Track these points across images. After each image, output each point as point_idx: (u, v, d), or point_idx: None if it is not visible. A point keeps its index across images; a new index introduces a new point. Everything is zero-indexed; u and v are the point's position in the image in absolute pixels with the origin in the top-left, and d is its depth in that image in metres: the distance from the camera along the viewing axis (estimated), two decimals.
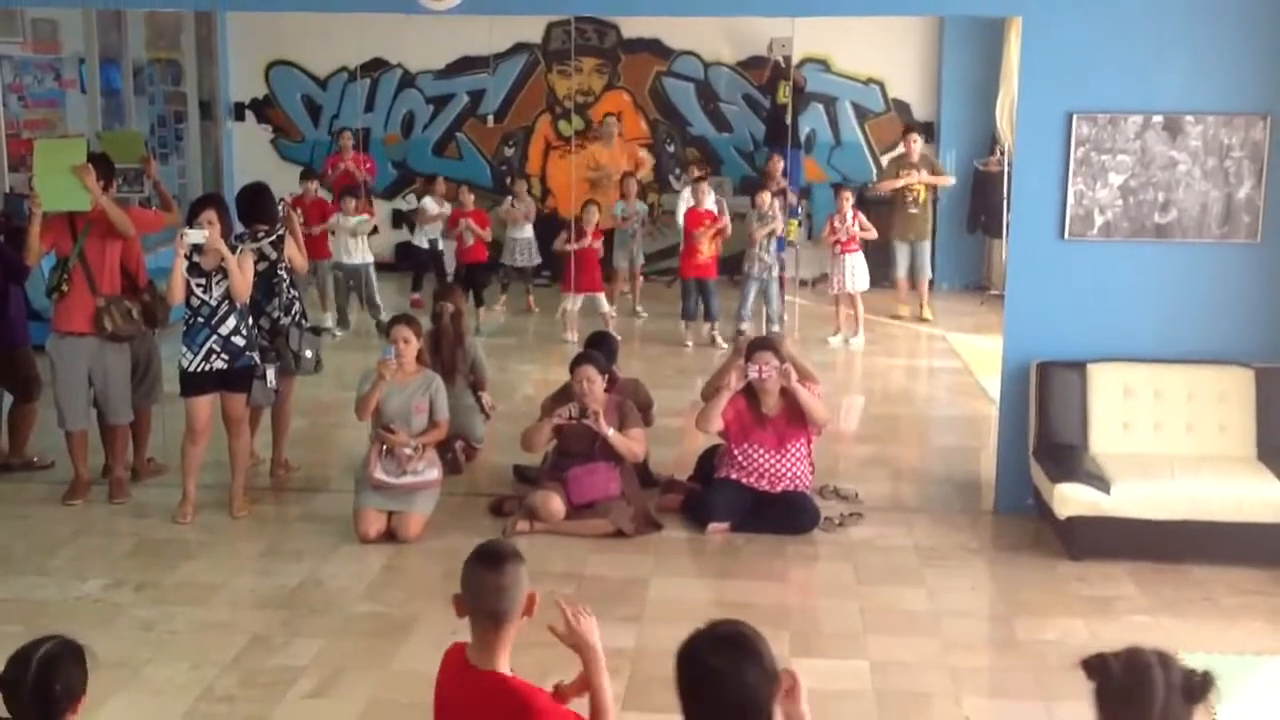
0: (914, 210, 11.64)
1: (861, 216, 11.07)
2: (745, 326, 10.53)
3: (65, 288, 6.86)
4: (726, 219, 11.02)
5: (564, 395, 6.86)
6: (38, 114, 11.59)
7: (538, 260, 12.16)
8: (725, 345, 10.69)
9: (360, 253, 11.14)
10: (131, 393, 7.14)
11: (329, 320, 11.04)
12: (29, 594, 5.80)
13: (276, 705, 4.77)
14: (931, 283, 12.17)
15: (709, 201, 11.10)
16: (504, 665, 3.12)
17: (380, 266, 11.74)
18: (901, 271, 11.90)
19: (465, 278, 11.20)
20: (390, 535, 6.43)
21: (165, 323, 7.36)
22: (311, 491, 7.28)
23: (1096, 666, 2.72)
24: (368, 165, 12.65)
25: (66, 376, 6.91)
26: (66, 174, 6.70)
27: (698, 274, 10.85)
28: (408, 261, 12.72)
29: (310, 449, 8.00)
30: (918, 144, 11.92)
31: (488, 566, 3.11)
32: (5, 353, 7.29)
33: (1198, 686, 2.66)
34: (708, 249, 10.79)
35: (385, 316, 10.72)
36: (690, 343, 10.88)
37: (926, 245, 11.86)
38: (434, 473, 6.56)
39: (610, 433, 6.57)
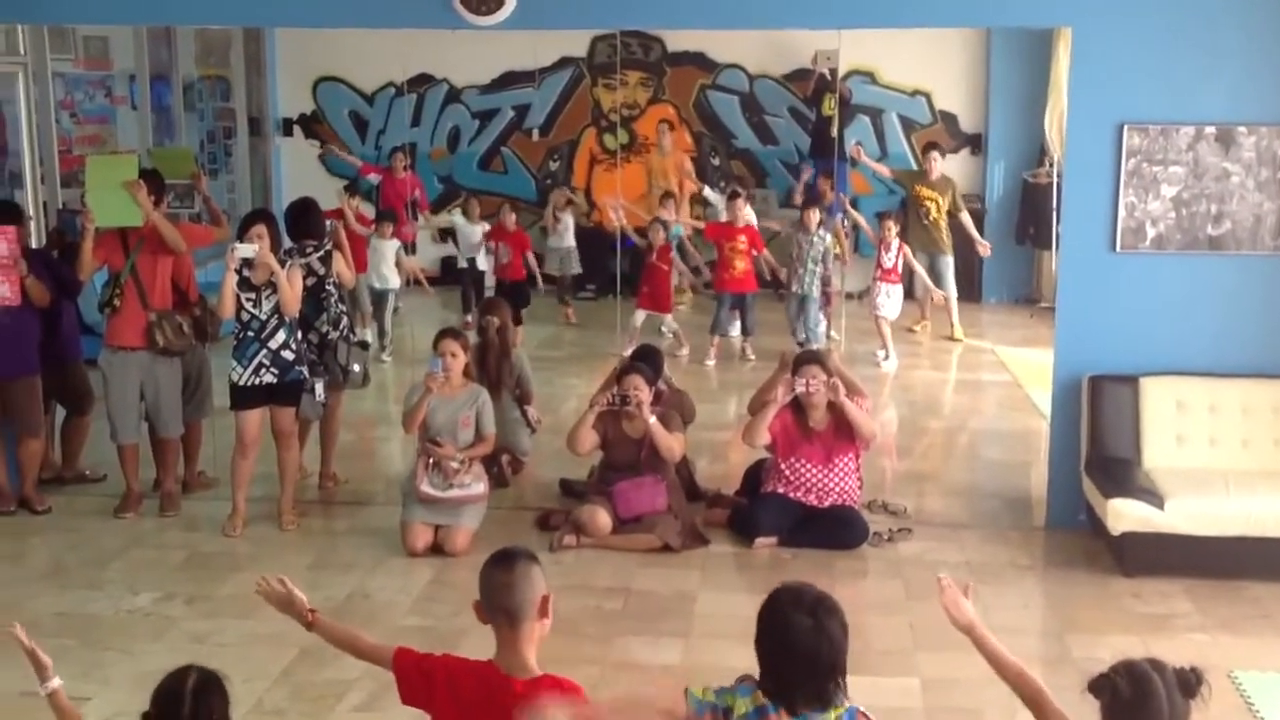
0: (926, 223, 11.47)
1: (907, 250, 10.95)
2: (802, 339, 10.46)
3: (117, 303, 6.94)
4: (767, 232, 10.99)
5: (609, 388, 6.86)
6: (89, 130, 11.74)
7: (578, 270, 12.13)
8: (752, 358, 10.65)
9: (387, 279, 11.08)
10: (182, 407, 7.20)
11: (370, 335, 11.07)
12: (81, 607, 5.85)
13: (326, 718, 4.78)
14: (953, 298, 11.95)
15: (747, 217, 11.06)
16: (535, 667, 3.12)
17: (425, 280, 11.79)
18: (918, 288, 11.76)
19: (501, 295, 11.16)
20: (437, 549, 6.45)
21: (216, 337, 7.43)
22: (359, 504, 7.32)
23: (1104, 686, 2.84)
24: (412, 184, 12.71)
25: (118, 391, 6.99)
26: (118, 190, 6.78)
27: (736, 288, 10.78)
28: (451, 276, 12.77)
29: (357, 462, 8.04)
30: (938, 162, 11.78)
31: (498, 566, 3.15)
32: (58, 367, 7.37)
33: (1193, 682, 2.81)
34: (741, 264, 10.73)
35: (389, 345, 10.73)
36: (712, 360, 10.69)
37: (946, 259, 11.59)
38: (480, 486, 6.58)
39: (652, 420, 6.55)
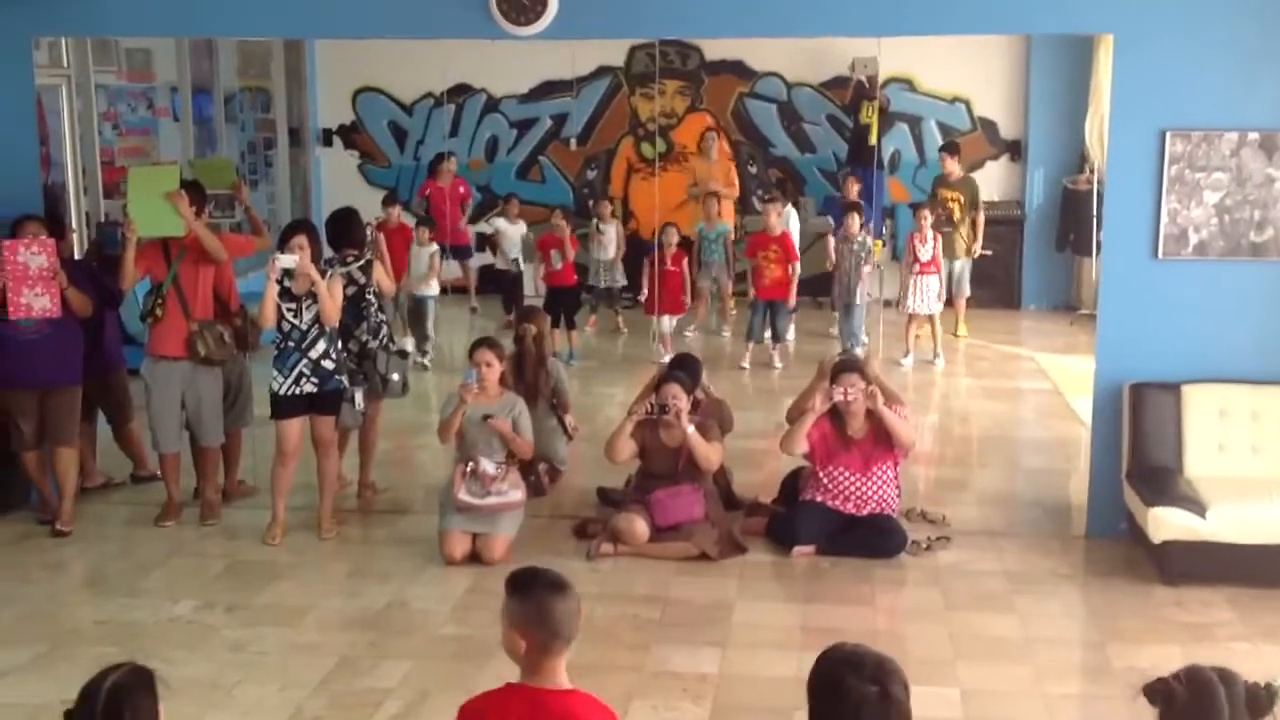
0: (947, 229, 11.38)
1: (940, 241, 10.93)
2: (851, 345, 10.43)
3: (159, 312, 7.00)
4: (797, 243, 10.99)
5: (647, 397, 6.85)
6: (131, 142, 11.87)
7: (623, 281, 12.16)
8: (779, 365, 10.64)
9: (426, 285, 11.13)
10: (223, 416, 7.26)
11: (410, 345, 11.11)
12: (122, 615, 5.90)
13: None
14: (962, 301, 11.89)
15: (786, 224, 11.04)
16: (568, 684, 3.14)
17: (457, 290, 11.82)
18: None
19: (553, 301, 11.21)
20: (475, 557, 6.45)
21: (256, 346, 7.48)
22: (397, 513, 7.34)
23: (1161, 691, 2.69)
24: (463, 189, 12.79)
25: (160, 400, 7.05)
26: (160, 200, 6.85)
27: (768, 296, 10.77)
28: (491, 285, 12.83)
29: (396, 471, 8.07)
30: (955, 164, 11.75)
31: (559, 594, 3.13)
32: (100, 377, 7.45)
33: (1263, 701, 2.63)
34: (774, 272, 10.71)
35: (429, 350, 10.79)
36: (747, 365, 10.75)
37: (963, 264, 11.60)
38: (518, 494, 6.58)
39: (690, 429, 6.54)
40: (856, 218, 10.65)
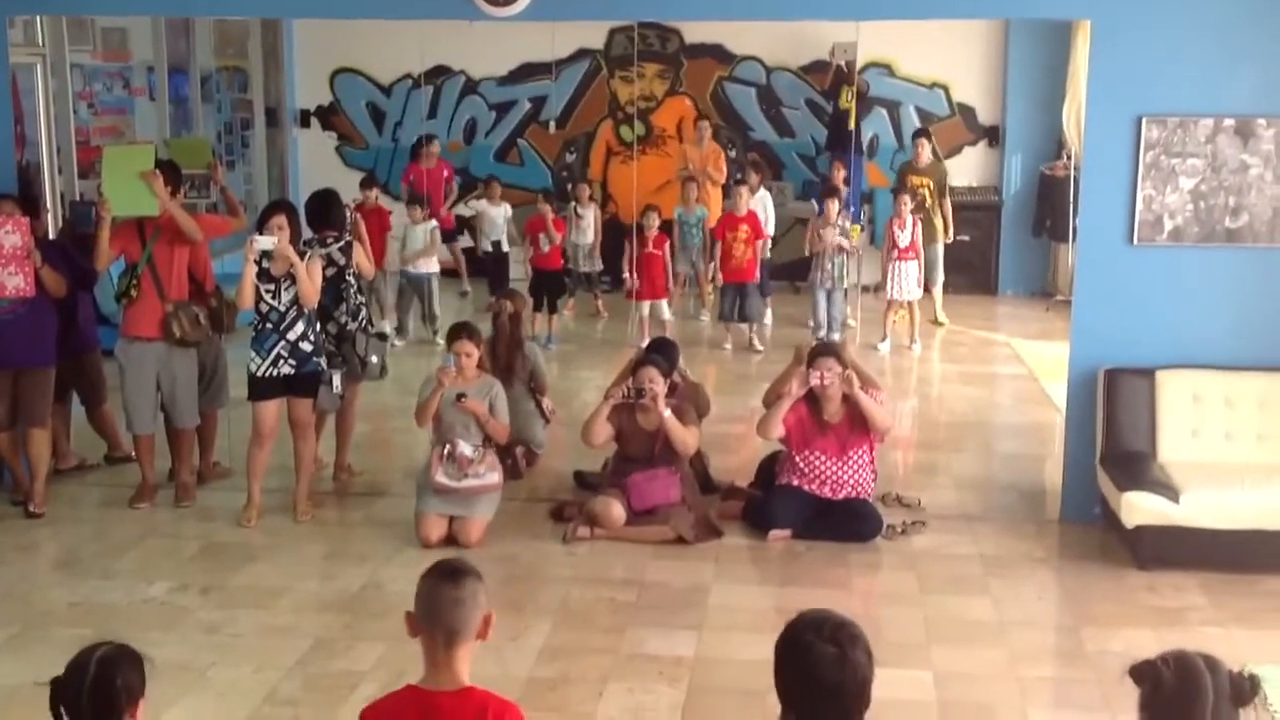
0: (920, 215, 11.38)
1: (920, 225, 10.96)
2: (823, 334, 10.45)
3: (134, 293, 6.95)
4: (769, 226, 10.99)
5: (624, 381, 6.85)
6: (107, 122, 11.78)
7: (601, 266, 12.15)
8: (760, 349, 10.66)
9: (425, 263, 11.13)
10: (198, 397, 7.22)
11: (388, 327, 11.09)
12: (96, 597, 5.88)
13: (339, 709, 4.79)
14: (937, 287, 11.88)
15: (753, 206, 11.05)
16: (465, 680, 3.01)
17: (446, 273, 11.81)
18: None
19: (538, 284, 11.20)
20: (451, 540, 6.45)
21: (232, 328, 7.45)
22: (373, 496, 7.33)
23: (1147, 673, 2.70)
24: (447, 173, 12.76)
25: (135, 381, 7.01)
26: (135, 180, 6.80)
27: (735, 278, 10.79)
28: (472, 266, 12.82)
29: (372, 454, 8.05)
30: (926, 149, 11.75)
31: (447, 580, 2.99)
32: (75, 358, 7.39)
33: (1245, 690, 2.65)
34: (743, 253, 10.72)
35: (435, 327, 10.80)
36: (729, 345, 10.84)
37: (937, 248, 11.54)
38: (495, 477, 6.57)
39: (667, 414, 6.55)
40: (836, 202, 10.67)
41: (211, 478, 7.48)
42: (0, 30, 7.29)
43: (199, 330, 7.06)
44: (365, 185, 11.56)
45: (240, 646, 5.34)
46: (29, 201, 7.32)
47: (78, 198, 10.55)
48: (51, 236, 8.30)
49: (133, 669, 2.86)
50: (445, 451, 6.50)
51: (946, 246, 11.71)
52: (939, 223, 11.58)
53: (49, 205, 9.91)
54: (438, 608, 2.96)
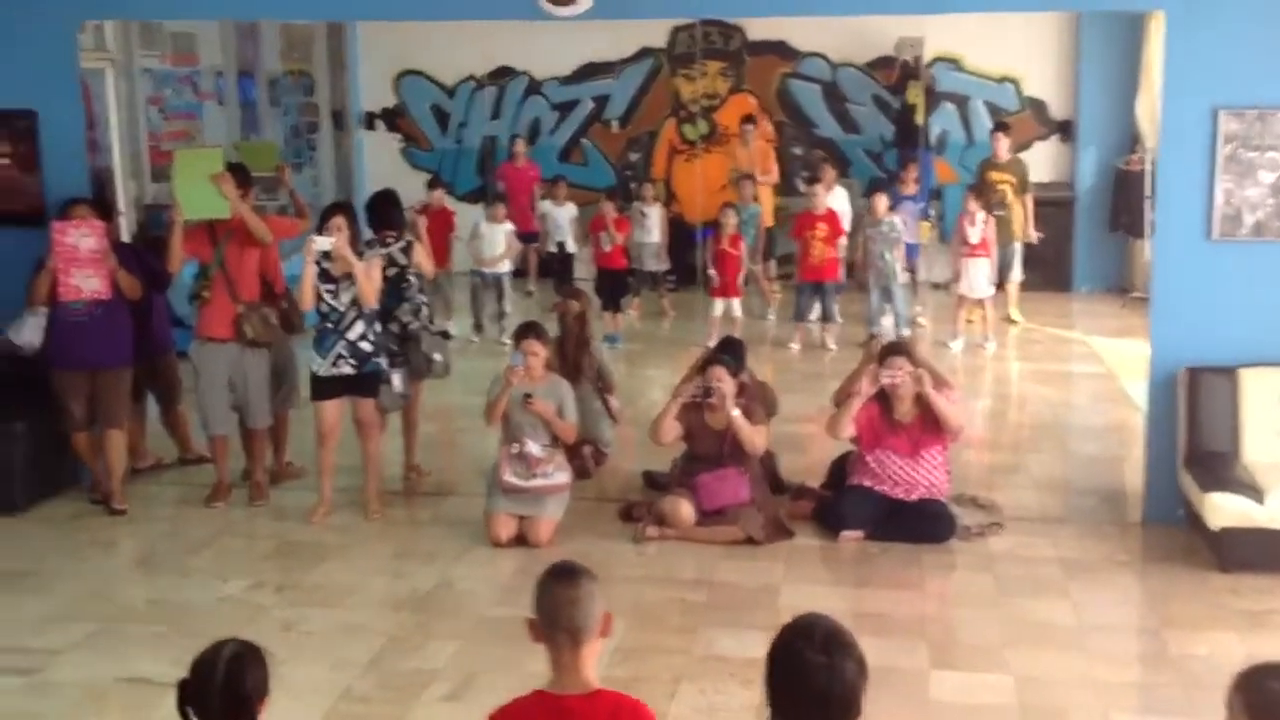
0: (1000, 212, 11.16)
1: (993, 222, 10.76)
2: (876, 330, 10.34)
3: (206, 295, 7.03)
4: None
5: (692, 380, 6.81)
6: (176, 126, 11.92)
7: (666, 264, 12.11)
8: (833, 348, 10.56)
9: (498, 263, 11.13)
10: (270, 398, 7.27)
11: (452, 327, 11.10)
12: (173, 594, 5.95)
13: (413, 707, 4.81)
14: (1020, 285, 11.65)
15: (832, 203, 10.94)
16: (594, 683, 2.98)
17: (514, 273, 11.82)
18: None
19: (603, 284, 11.19)
20: (521, 540, 6.44)
21: (301, 329, 7.49)
22: (443, 495, 7.35)
23: (1254, 683, 2.62)
24: (534, 174, 12.80)
25: (208, 382, 7.08)
26: (205, 183, 6.86)
27: (813, 277, 10.70)
28: (539, 266, 12.87)
29: (441, 453, 8.08)
30: (1005, 144, 11.51)
31: (563, 582, 3.00)
32: (149, 359, 7.48)
33: None
34: (821, 251, 10.63)
35: (509, 327, 10.79)
36: (796, 345, 10.74)
37: (1014, 246, 11.24)
38: (564, 477, 6.56)
39: (735, 413, 6.49)
40: (884, 198, 10.55)
41: (284, 477, 7.53)
42: (71, 36, 7.38)
43: (270, 331, 7.13)
44: (431, 186, 11.62)
45: (314, 644, 5.37)
46: (103, 205, 7.42)
47: (150, 201, 10.69)
48: (125, 240, 8.39)
49: (260, 667, 2.89)
50: (514, 451, 6.50)
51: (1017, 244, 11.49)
52: (1018, 219, 11.33)
53: (122, 209, 10.05)
54: (556, 610, 2.96)
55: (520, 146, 12.87)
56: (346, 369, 6.75)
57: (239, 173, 7.13)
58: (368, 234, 7.29)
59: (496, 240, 11.10)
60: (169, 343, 7.82)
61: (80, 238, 6.75)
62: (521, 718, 2.99)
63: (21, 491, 7.06)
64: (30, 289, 6.92)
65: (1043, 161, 13.13)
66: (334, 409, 6.82)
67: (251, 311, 7.04)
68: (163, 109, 11.80)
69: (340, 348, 6.72)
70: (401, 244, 7.22)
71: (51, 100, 7.34)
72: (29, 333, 7.01)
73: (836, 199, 11.27)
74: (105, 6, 7.81)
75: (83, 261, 6.76)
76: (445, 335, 7.89)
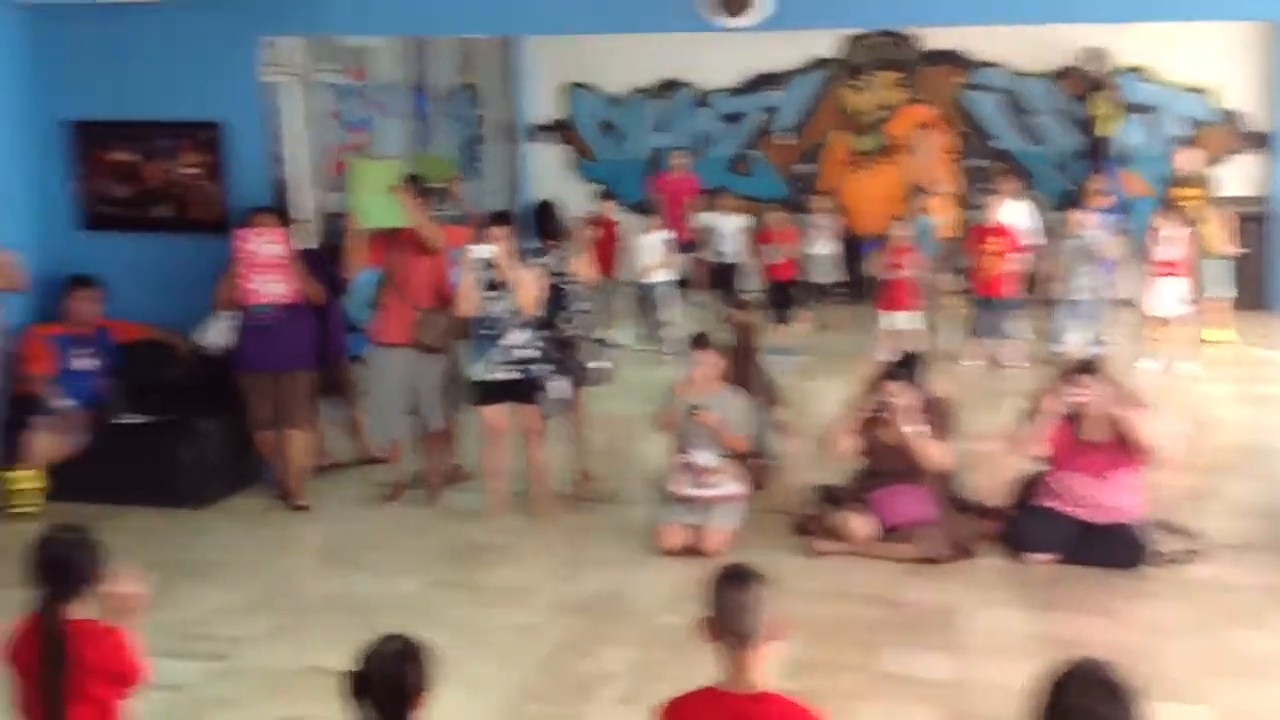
0: (1191, 227, 10.57)
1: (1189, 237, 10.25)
2: (1059, 349, 9.96)
3: (383, 301, 7.14)
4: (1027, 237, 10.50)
5: (868, 393, 6.64)
6: (353, 138, 12.19)
7: (837, 276, 11.92)
8: (1009, 365, 10.21)
9: (654, 272, 11.13)
10: (443, 401, 7.34)
11: (618, 336, 11.10)
12: (353, 589, 6.06)
13: (588, 709, 4.79)
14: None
15: (1009, 216, 10.61)
16: (761, 685, 3.03)
17: (683, 284, 11.78)
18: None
19: (773, 295, 11.08)
20: (692, 549, 6.35)
21: (471, 335, 7.56)
22: (613, 502, 7.31)
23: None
24: (692, 185, 12.78)
25: (385, 386, 7.20)
26: (383, 193, 6.98)
27: (984, 291, 10.40)
28: (707, 278, 12.79)
29: (610, 460, 8.04)
30: (1196, 158, 10.91)
31: (733, 584, 3.05)
32: (326, 363, 7.63)
33: None
34: (991, 265, 10.30)
35: (668, 337, 10.74)
36: (974, 360, 10.41)
37: (1212, 262, 10.61)
38: (735, 486, 6.51)
39: (913, 429, 6.30)
40: (1083, 212, 10.17)
41: (456, 479, 7.58)
42: (254, 51, 7.60)
43: (444, 337, 7.20)
44: (601, 197, 11.68)
45: (489, 643, 5.39)
46: (285, 214, 7.62)
47: (329, 211, 10.94)
48: (307, 247, 8.58)
49: (423, 663, 2.97)
50: (683, 460, 6.44)
51: (1220, 260, 10.91)
52: (1212, 235, 10.78)
53: (302, 218, 10.31)
54: (726, 611, 3.02)
55: (680, 158, 12.82)
56: (507, 375, 6.82)
57: (415, 183, 7.28)
58: (529, 243, 7.34)
59: (651, 250, 11.07)
60: (346, 347, 7.98)
61: (263, 245, 6.94)
62: (690, 711, 3.08)
63: (210, 486, 7.28)
64: (216, 293, 7.16)
65: (1238, 175, 12.52)
66: (497, 414, 6.89)
67: (427, 318, 7.12)
68: (341, 122, 12.10)
69: (501, 354, 6.80)
70: (562, 253, 7.24)
71: (237, 112, 7.59)
72: (215, 335, 7.27)
73: (1017, 213, 10.92)
74: (287, 23, 8.02)
75: (268, 267, 6.95)
76: (605, 344, 7.89)
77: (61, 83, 7.75)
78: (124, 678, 3.44)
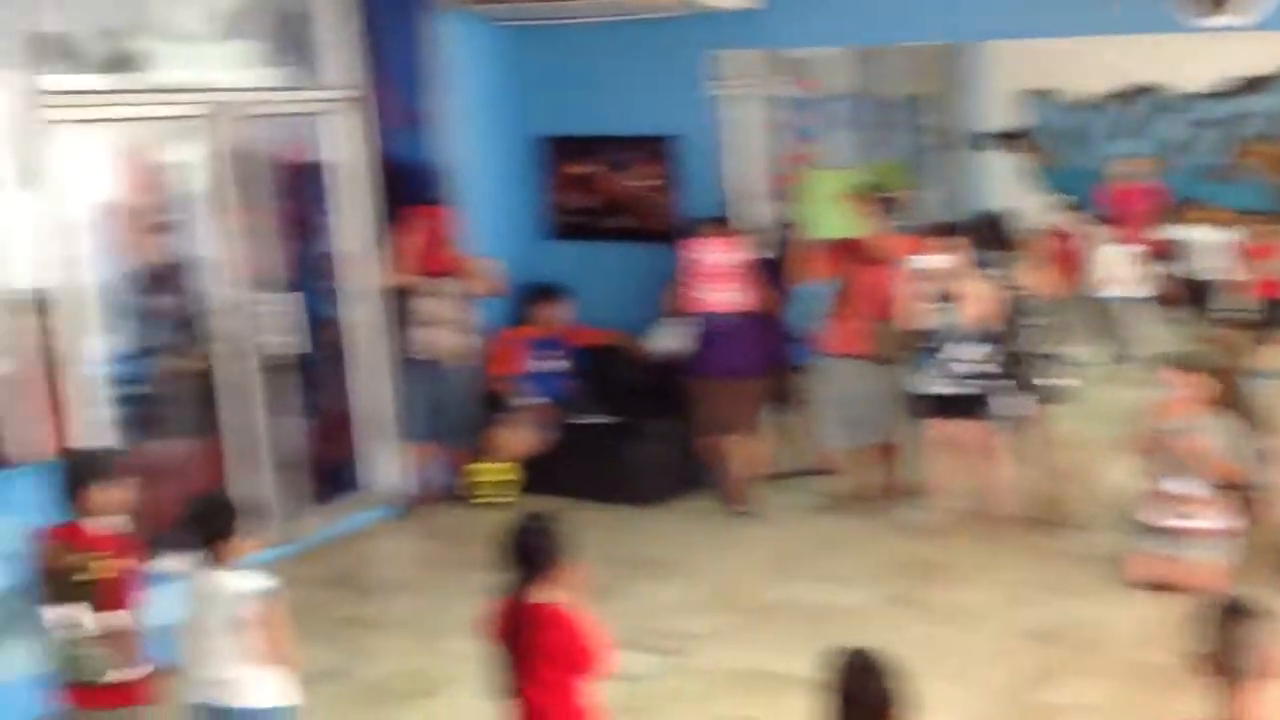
0: None
1: None
2: None
3: (834, 311, 7.10)
4: None
5: None
6: (803, 149, 12.26)
7: None
8: None
9: (1113, 286, 10.46)
10: (888, 413, 7.20)
11: (1078, 352, 10.48)
12: (802, 596, 6.05)
13: None
14: None
15: None
16: None
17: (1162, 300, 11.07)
18: None
19: (1261, 313, 10.13)
20: (1165, 582, 5.86)
21: (917, 346, 7.37)
22: (1072, 527, 6.87)
23: None
24: (1154, 194, 12.00)
25: (832, 396, 7.17)
26: (835, 203, 6.93)
27: None
28: (1182, 293, 11.90)
29: (1072, 484, 7.55)
30: None
31: (1233, 618, 2.92)
32: (771, 371, 7.64)
33: None
34: None
35: (1137, 355, 10.03)
36: None
37: None
38: (1219, 520, 5.97)
39: None
40: None
41: (902, 493, 7.39)
42: (704, 65, 7.75)
43: (893, 348, 7.07)
44: (1059, 207, 11.15)
45: (948, 664, 5.17)
46: (735, 224, 7.72)
47: (778, 222, 11.05)
48: (760, 257, 8.69)
49: (887, 678, 2.99)
50: (1161, 489, 6.01)
51: None
52: None
53: (754, 228, 10.46)
54: (1228, 647, 2.89)
55: (1139, 165, 11.97)
56: (951, 389, 6.63)
57: (872, 193, 7.18)
58: (986, 255, 7.04)
59: (1110, 262, 10.49)
60: (789, 355, 7.97)
61: (710, 254, 7.07)
62: None
63: (660, 487, 7.49)
64: (662, 301, 7.38)
65: None
66: (943, 428, 6.71)
67: (879, 328, 7.03)
68: (791, 132, 12.21)
69: (943, 367, 6.63)
70: (1013, 265, 6.95)
71: (688, 126, 7.78)
72: (665, 340, 7.46)
73: None
74: (737, 38, 8.13)
75: (714, 276, 7.07)
76: (1063, 360, 7.43)
77: (536, 99, 8.22)
78: (576, 663, 3.51)
